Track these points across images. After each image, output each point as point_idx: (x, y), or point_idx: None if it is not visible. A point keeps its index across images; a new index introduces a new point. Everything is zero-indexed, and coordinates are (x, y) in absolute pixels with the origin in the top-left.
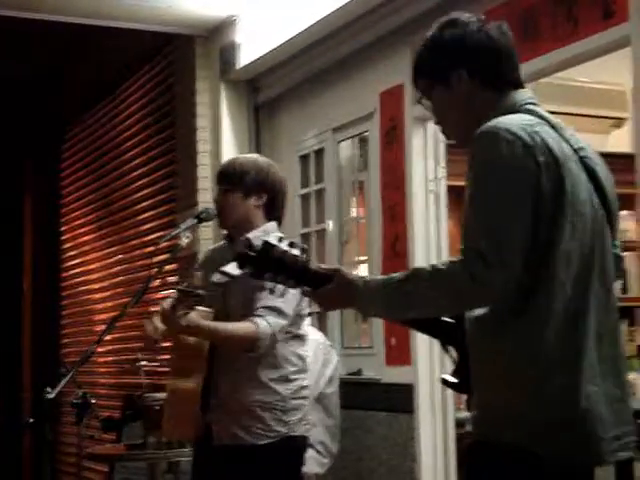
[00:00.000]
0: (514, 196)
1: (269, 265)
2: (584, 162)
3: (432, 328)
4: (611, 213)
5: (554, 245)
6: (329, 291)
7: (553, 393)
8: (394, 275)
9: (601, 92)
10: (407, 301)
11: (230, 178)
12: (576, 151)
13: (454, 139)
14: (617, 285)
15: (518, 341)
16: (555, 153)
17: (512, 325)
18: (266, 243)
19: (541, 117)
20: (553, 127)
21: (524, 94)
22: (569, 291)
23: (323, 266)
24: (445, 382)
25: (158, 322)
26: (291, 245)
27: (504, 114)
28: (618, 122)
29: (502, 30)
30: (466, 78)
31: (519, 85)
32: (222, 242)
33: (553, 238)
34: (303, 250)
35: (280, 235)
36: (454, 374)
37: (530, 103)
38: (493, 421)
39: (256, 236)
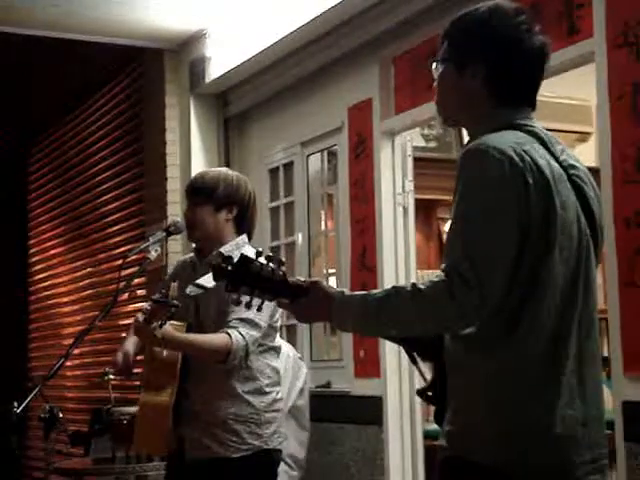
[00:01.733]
0: (500, 217)
1: (246, 279)
2: (573, 181)
3: (407, 340)
4: (597, 233)
5: (542, 267)
6: (306, 303)
7: (530, 417)
8: (373, 291)
9: (566, 107)
10: (386, 319)
11: (200, 192)
12: (566, 169)
13: (442, 117)
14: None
15: (501, 362)
16: (545, 173)
17: (497, 345)
18: (243, 257)
19: (532, 133)
20: (544, 143)
21: (523, 112)
22: (554, 313)
23: (301, 279)
24: (421, 394)
25: (128, 346)
26: (268, 259)
27: (496, 129)
28: (583, 136)
29: (545, 43)
30: (482, 76)
31: (529, 104)
32: (191, 254)
33: (541, 260)
34: (280, 263)
35: (259, 249)
36: (429, 387)
37: (523, 117)
38: (468, 439)
39: (228, 250)
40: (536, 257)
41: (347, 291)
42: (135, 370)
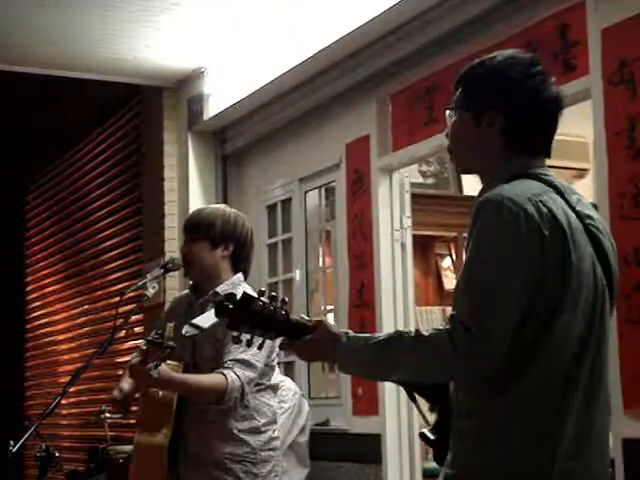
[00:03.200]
0: (512, 272)
1: (247, 317)
2: (589, 230)
3: (414, 385)
4: (612, 283)
5: (554, 316)
6: (309, 342)
7: (528, 467)
8: (377, 335)
9: (564, 144)
10: (387, 364)
11: (197, 228)
12: (582, 219)
13: (455, 163)
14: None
15: (506, 409)
16: (561, 223)
17: (503, 393)
18: (245, 294)
19: (547, 182)
20: (560, 193)
21: (538, 161)
22: (565, 365)
23: (305, 318)
24: (424, 437)
25: (124, 384)
26: (271, 298)
27: (511, 177)
28: (581, 173)
29: (560, 94)
30: (498, 126)
31: (545, 153)
32: (186, 291)
33: (554, 309)
34: (283, 302)
35: (261, 289)
36: (432, 430)
37: (538, 166)
38: None
39: (223, 290)
40: (550, 306)
41: (351, 332)
42: (132, 408)
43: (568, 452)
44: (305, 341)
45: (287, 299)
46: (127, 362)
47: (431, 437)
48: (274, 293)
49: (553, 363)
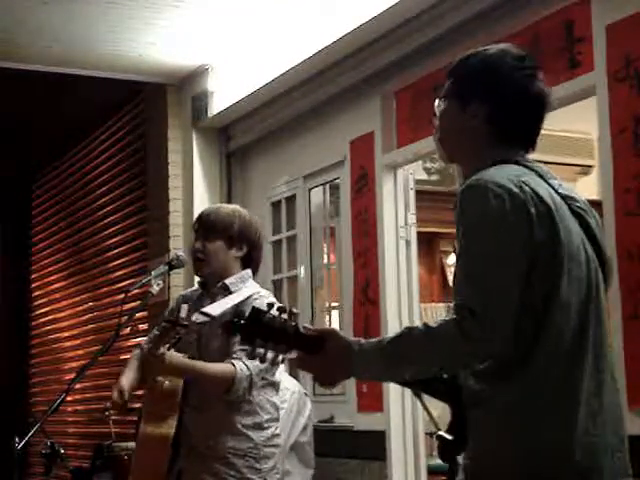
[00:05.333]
0: (506, 253)
1: (259, 332)
2: (573, 210)
3: (425, 385)
4: (604, 261)
5: (552, 294)
6: (324, 358)
7: (548, 447)
8: (386, 337)
9: (568, 140)
10: (402, 362)
11: (214, 227)
12: (565, 199)
13: (440, 153)
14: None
15: (516, 391)
16: (546, 201)
17: (512, 375)
18: (254, 309)
19: (528, 167)
20: (541, 176)
21: (519, 152)
22: (569, 340)
23: (313, 328)
24: (441, 439)
25: (124, 382)
26: (280, 310)
27: (492, 165)
28: (585, 170)
29: (547, 92)
30: (483, 116)
31: (527, 147)
32: (194, 288)
33: (551, 287)
34: (292, 314)
35: (270, 301)
36: (449, 430)
37: (518, 155)
38: (486, 471)
39: (232, 282)
40: (546, 284)
41: (362, 340)
42: (133, 405)
43: (586, 429)
44: (320, 358)
45: (297, 310)
46: (129, 358)
47: (448, 437)
48: (282, 305)
49: (557, 340)
